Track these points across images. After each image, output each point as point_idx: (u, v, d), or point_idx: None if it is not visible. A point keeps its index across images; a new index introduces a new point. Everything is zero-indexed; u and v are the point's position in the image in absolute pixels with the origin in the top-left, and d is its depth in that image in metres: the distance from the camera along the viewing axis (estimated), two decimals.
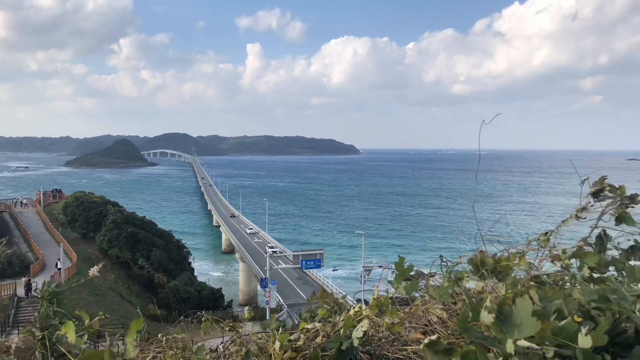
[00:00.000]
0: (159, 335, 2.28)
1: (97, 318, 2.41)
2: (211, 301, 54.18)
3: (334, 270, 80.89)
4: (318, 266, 57.34)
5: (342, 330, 1.87)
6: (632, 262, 2.74)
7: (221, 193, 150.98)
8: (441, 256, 2.77)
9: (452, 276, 2.08)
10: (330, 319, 2.01)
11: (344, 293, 46.91)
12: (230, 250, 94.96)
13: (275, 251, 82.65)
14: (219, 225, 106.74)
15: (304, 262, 55.56)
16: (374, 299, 2.02)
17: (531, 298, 1.55)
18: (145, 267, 56.14)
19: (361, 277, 50.42)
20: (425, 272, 3.11)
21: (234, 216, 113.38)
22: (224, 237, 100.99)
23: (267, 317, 44.50)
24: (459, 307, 2.01)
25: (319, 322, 2.01)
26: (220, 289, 59.52)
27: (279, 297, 51.68)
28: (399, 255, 2.31)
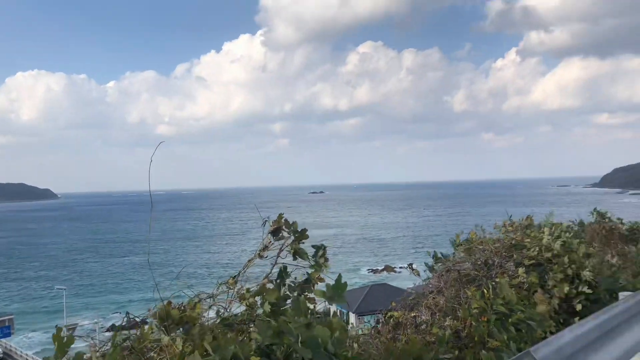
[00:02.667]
0: None
1: None
2: None
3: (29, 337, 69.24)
4: (8, 334, 48.87)
5: None
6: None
7: None
8: (128, 313, 2.59)
9: (120, 339, 1.94)
10: None
11: None
12: None
13: None
14: None
15: None
16: None
17: (206, 350, 1.56)
18: None
19: None
20: (121, 331, 2.85)
21: None
22: None
23: None
24: None
25: None
26: None
27: None
28: (56, 326, 2.04)
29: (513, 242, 5.88)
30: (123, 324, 2.41)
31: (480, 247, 5.77)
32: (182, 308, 2.24)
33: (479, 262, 5.46)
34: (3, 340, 51.06)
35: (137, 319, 2.41)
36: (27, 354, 48.76)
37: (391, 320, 5.22)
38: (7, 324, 49.10)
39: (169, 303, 2.30)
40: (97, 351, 1.86)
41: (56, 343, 1.70)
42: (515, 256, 5.67)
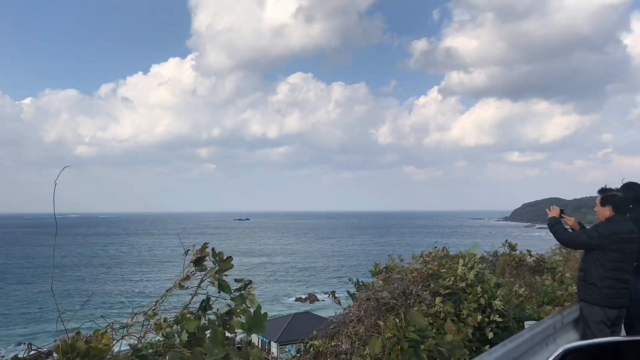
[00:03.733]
0: None
1: None
2: None
3: None
4: None
5: None
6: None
7: None
8: (30, 344, 2.43)
9: None
10: None
11: None
12: None
13: None
14: None
15: None
16: None
17: None
18: None
19: None
20: None
21: None
22: None
23: None
24: None
25: None
26: None
27: None
28: None
29: (430, 271, 6.11)
30: (25, 356, 2.25)
31: (399, 276, 5.95)
32: (90, 339, 2.13)
33: (397, 291, 5.61)
34: None
35: (42, 351, 2.26)
36: None
37: (312, 349, 5.22)
38: None
39: (78, 333, 2.19)
40: None
41: None
42: (432, 285, 5.88)
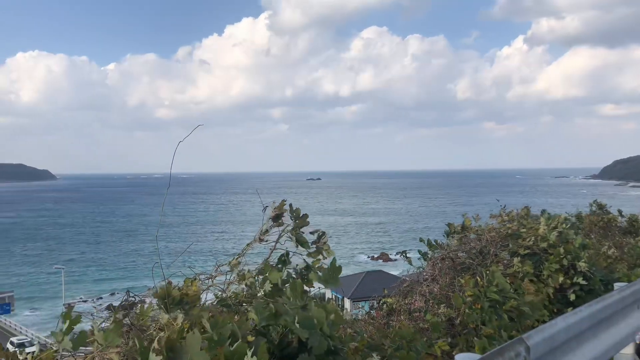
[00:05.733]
0: None
1: None
2: None
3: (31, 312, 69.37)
4: (7, 311, 49.17)
5: None
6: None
7: None
8: (128, 291, 2.63)
9: (120, 315, 1.97)
10: None
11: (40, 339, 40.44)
12: None
13: None
14: None
15: None
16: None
17: (203, 328, 1.60)
18: None
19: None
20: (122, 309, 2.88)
21: None
22: None
23: None
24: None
25: None
26: None
27: None
28: (68, 304, 2.07)
29: (509, 231, 5.94)
30: (124, 302, 2.45)
31: (475, 235, 5.83)
32: (182, 288, 2.28)
33: (474, 251, 5.51)
34: (3, 316, 51.43)
35: (138, 297, 2.45)
36: (26, 330, 49.13)
37: (385, 306, 5.28)
38: (7, 301, 49.37)
39: (170, 282, 2.35)
40: (97, 328, 1.90)
41: (67, 321, 1.75)
42: (510, 245, 5.72)
